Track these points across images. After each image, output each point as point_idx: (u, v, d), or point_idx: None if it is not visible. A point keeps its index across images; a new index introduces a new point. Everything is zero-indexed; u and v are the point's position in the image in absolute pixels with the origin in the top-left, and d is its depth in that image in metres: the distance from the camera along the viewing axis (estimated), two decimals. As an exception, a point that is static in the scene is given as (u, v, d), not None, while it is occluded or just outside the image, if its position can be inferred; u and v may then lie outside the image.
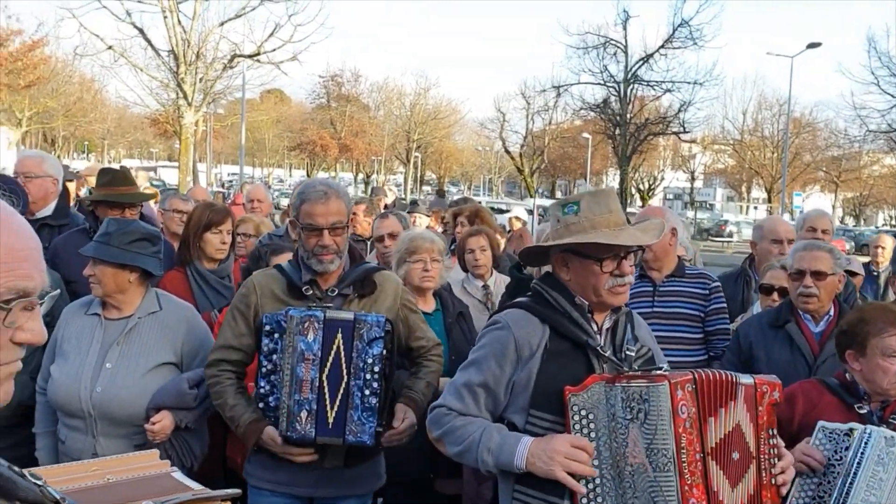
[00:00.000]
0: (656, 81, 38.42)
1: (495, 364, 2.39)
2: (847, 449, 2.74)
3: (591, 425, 2.25)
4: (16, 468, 1.15)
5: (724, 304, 4.16)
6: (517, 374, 2.37)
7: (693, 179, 62.42)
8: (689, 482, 2.14)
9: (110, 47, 20.74)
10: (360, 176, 70.24)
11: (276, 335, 2.93)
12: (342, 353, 2.91)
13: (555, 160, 60.29)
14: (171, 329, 3.25)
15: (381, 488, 3.35)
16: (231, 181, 42.81)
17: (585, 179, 57.13)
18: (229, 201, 13.29)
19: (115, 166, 6.53)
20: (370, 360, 2.90)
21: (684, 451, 2.15)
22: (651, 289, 4.17)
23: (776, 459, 2.30)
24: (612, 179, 63.14)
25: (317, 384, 2.87)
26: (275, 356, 2.92)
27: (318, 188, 3.02)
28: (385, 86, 65.79)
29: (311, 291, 3.01)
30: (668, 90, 38.05)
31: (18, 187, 4.13)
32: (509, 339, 2.39)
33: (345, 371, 2.91)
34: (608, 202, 2.44)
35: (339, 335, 2.90)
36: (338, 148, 60.92)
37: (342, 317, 2.93)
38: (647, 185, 56.53)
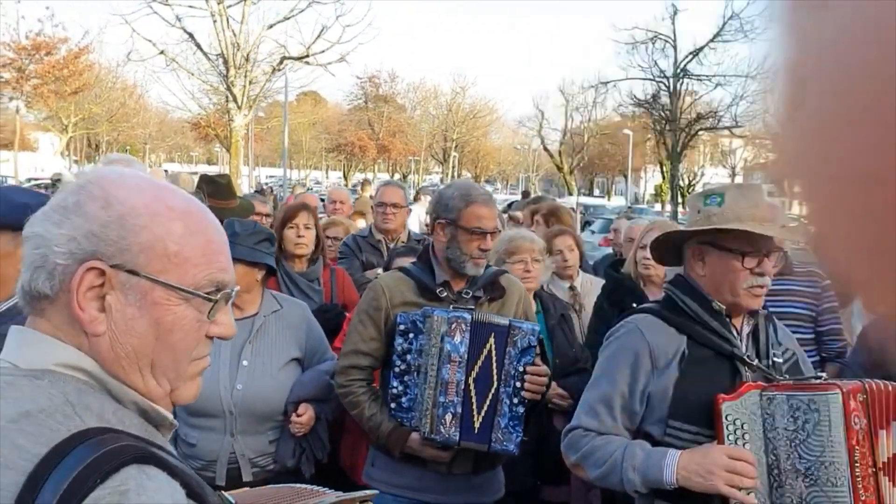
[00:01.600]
0: (706, 76, 37.90)
1: (629, 374, 2.28)
2: None
3: (746, 436, 2.14)
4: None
5: (836, 303, 3.99)
6: (653, 383, 2.26)
7: (734, 175, 61.53)
8: (863, 498, 2.01)
9: (162, 52, 20.99)
10: (397, 176, 70.45)
11: (412, 335, 2.89)
12: (493, 358, 2.85)
13: (594, 157, 59.85)
14: (294, 326, 3.30)
15: None
16: (268, 184, 43.22)
17: (625, 177, 56.64)
18: (282, 203, 13.34)
19: (216, 174, 6.50)
20: (521, 368, 2.86)
21: (858, 465, 2.02)
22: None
23: None
24: (652, 176, 62.57)
25: (462, 387, 2.82)
26: (409, 356, 2.89)
27: (480, 191, 3.04)
28: (421, 85, 65.98)
29: (445, 294, 2.99)
30: (719, 84, 37.52)
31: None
32: (643, 346, 2.28)
33: (495, 377, 2.86)
34: (755, 196, 2.30)
35: (492, 339, 2.85)
36: (376, 148, 61.14)
37: (497, 321, 2.89)
38: (687, 182, 55.84)
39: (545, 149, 57.86)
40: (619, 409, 2.29)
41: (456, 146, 63.10)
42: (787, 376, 2.27)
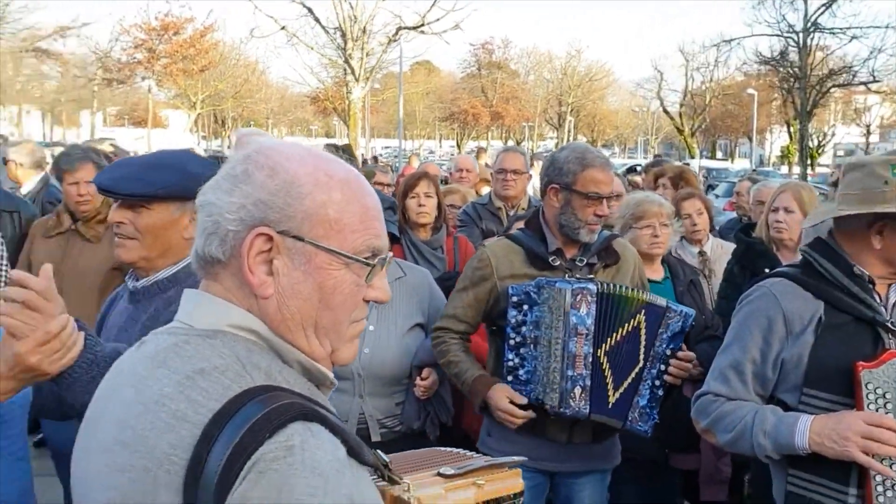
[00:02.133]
0: (840, 28, 35.50)
1: (761, 339, 2.19)
2: None
3: (889, 405, 2.02)
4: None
5: None
6: (786, 350, 2.16)
7: (868, 134, 57.78)
8: None
9: (283, 27, 21.55)
10: (510, 143, 70.03)
11: (525, 307, 2.84)
12: (642, 336, 2.79)
13: (716, 119, 57.61)
14: (417, 292, 3.33)
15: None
16: (382, 155, 43.90)
17: (750, 138, 54.23)
18: (398, 174, 13.48)
19: (339, 144, 6.67)
20: (668, 353, 2.80)
21: None
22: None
23: None
24: (777, 137, 59.64)
25: (590, 360, 2.76)
26: (524, 328, 2.84)
27: (597, 154, 2.94)
28: (535, 50, 65.20)
29: (558, 262, 2.92)
30: (855, 37, 35.05)
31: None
32: (776, 311, 2.18)
33: (642, 356, 2.80)
34: None
35: (643, 316, 2.79)
36: (489, 116, 60.99)
37: (653, 300, 2.82)
38: (816, 142, 52.94)
39: (664, 111, 56.10)
40: (751, 376, 2.22)
41: (571, 111, 62.11)
42: None
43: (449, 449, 1.69)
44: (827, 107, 47.47)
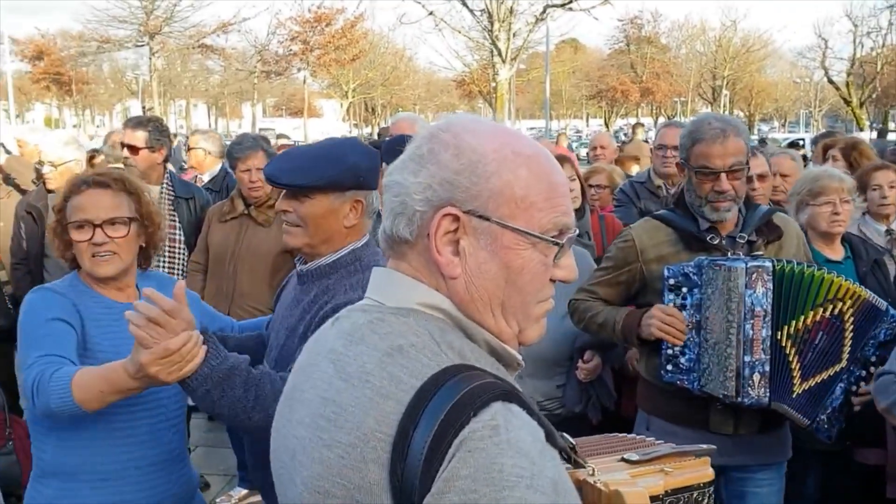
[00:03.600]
0: None
1: None
2: None
3: None
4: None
5: None
6: None
7: None
8: None
9: (431, 13, 21.83)
10: (661, 119, 67.80)
11: (685, 289, 2.67)
12: (847, 333, 2.60)
13: (889, 87, 53.27)
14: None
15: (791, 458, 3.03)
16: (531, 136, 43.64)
17: (929, 106, 49.82)
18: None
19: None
20: (873, 359, 2.61)
21: None
22: None
23: None
24: (963, 104, 54.45)
25: (769, 343, 2.58)
26: (684, 312, 2.67)
27: (713, 125, 2.71)
28: (687, 23, 62.74)
29: (717, 240, 2.74)
30: None
31: None
32: None
33: (846, 355, 2.61)
34: None
35: (850, 311, 2.61)
36: (639, 92, 59.31)
37: (875, 302, 2.65)
38: None
39: (830, 81, 52.44)
40: None
41: (727, 84, 59.29)
42: None
43: (631, 435, 1.64)
44: None
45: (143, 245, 2.33)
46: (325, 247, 2.17)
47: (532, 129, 65.89)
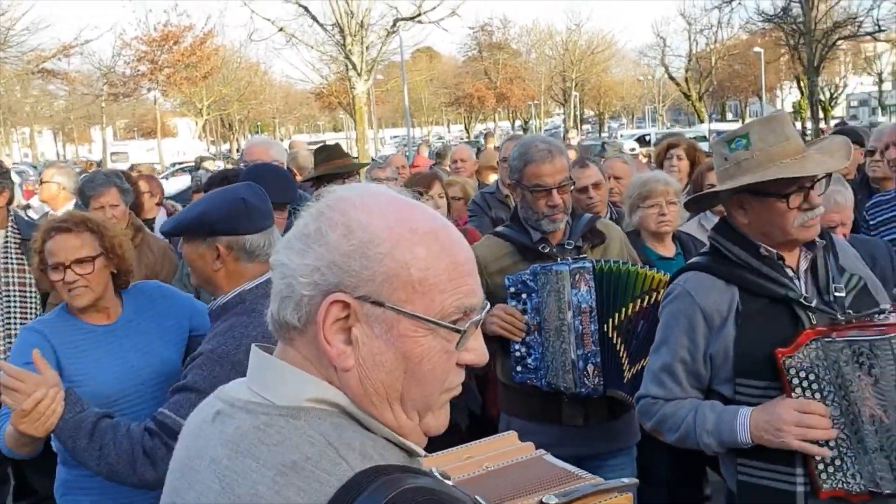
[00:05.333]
0: (843, -21, 34.87)
1: (686, 339, 2.22)
2: None
3: (815, 385, 2.05)
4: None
5: None
6: (712, 345, 2.19)
7: (881, 82, 56.99)
8: None
9: (281, 29, 21.59)
10: (518, 123, 69.75)
11: (524, 295, 2.90)
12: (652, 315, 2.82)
13: (723, 80, 57.06)
14: None
15: None
16: (394, 145, 43.88)
17: (760, 97, 53.67)
18: (409, 164, 13.50)
19: (324, 143, 6.84)
20: None
21: None
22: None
23: None
24: (788, 93, 58.99)
25: (597, 336, 2.84)
26: (526, 317, 2.90)
27: (540, 147, 2.97)
28: (535, 28, 64.86)
29: (547, 248, 2.99)
30: (865, -14, 34.51)
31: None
32: (694, 309, 2.20)
33: None
34: (783, 129, 2.16)
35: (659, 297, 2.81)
36: (494, 97, 60.80)
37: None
38: (828, 95, 52.32)
39: (670, 77, 55.68)
40: (684, 375, 2.25)
41: (576, 85, 61.72)
42: (851, 312, 2.13)
43: (555, 462, 1.65)
44: (836, 59, 46.77)
45: (115, 271, 2.67)
46: (210, 288, 2.32)
47: (395, 137, 66.19)
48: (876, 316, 2.07)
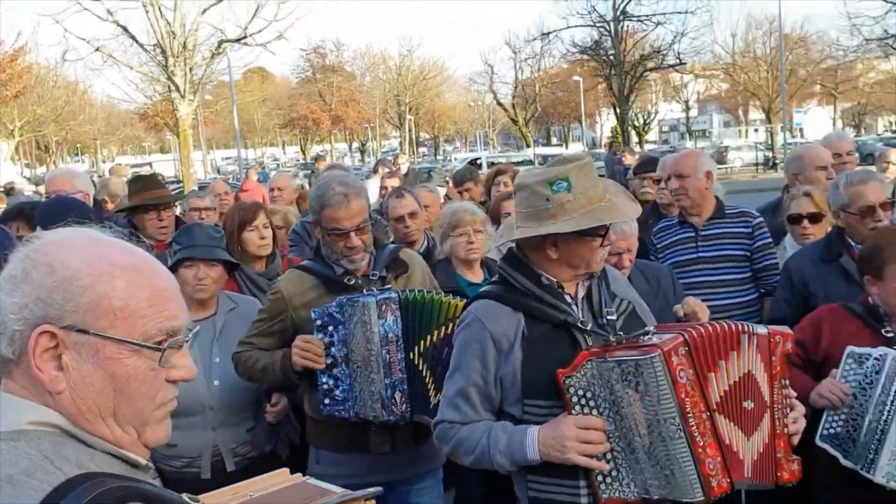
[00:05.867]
0: (646, 16, 37.80)
1: (479, 364, 2.33)
2: (878, 372, 2.79)
3: (592, 402, 2.21)
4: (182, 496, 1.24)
5: (770, 240, 4.14)
6: (502, 368, 2.31)
7: (688, 109, 61.93)
8: (700, 444, 2.11)
9: (98, 49, 20.51)
10: (355, 145, 69.94)
11: (331, 328, 2.93)
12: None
13: (547, 106, 59.90)
14: (251, 320, 3.35)
15: None
16: (226, 167, 42.75)
17: (580, 123, 56.76)
18: (237, 188, 13.17)
19: (145, 172, 6.59)
20: None
21: (690, 415, 2.11)
22: (693, 234, 4.16)
23: (788, 409, 2.27)
24: (607, 119, 62.78)
25: (404, 364, 2.90)
26: (333, 349, 2.93)
27: (337, 190, 2.98)
28: (368, 52, 65.36)
29: (353, 281, 3.03)
30: (660, 23, 37.48)
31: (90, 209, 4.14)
32: (484, 335, 2.32)
33: None
34: (593, 173, 2.35)
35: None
36: (329, 119, 60.62)
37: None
38: (642, 121, 56.19)
39: (498, 103, 57.83)
40: (478, 399, 2.34)
41: (410, 109, 62.74)
42: (622, 334, 2.31)
43: (308, 480, 1.71)
44: (647, 87, 50.32)
45: None
46: None
47: (228, 158, 64.34)
48: (642, 337, 2.23)
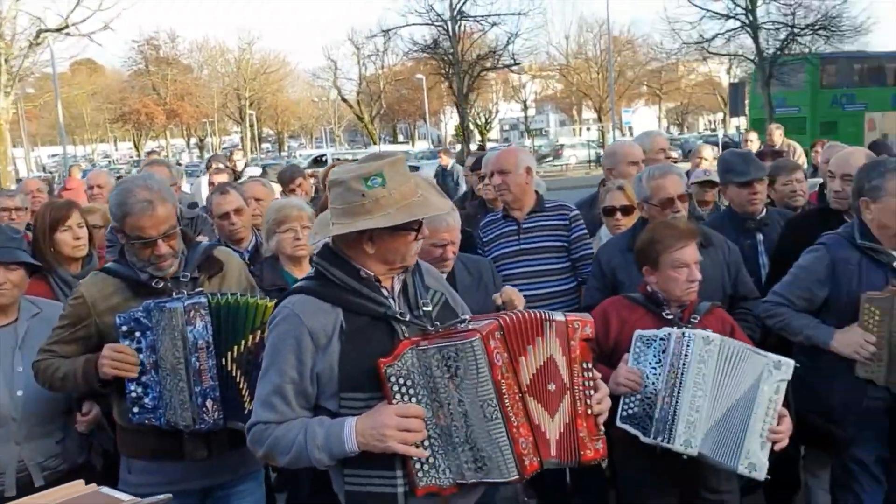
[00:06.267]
0: (482, 16, 38.67)
1: (294, 359, 2.30)
2: (664, 351, 3.02)
3: (412, 390, 2.25)
4: None
5: (585, 231, 4.37)
6: (319, 363, 2.29)
7: (526, 108, 64.12)
8: (515, 424, 2.21)
9: None
10: (193, 140, 67.43)
11: (138, 333, 2.80)
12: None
13: (392, 104, 60.21)
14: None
15: None
16: (52, 165, 40.00)
17: (425, 120, 57.45)
18: (60, 187, 12.42)
19: None
20: None
21: (506, 396, 2.21)
22: (515, 227, 4.33)
23: (592, 391, 2.37)
24: (451, 117, 63.90)
25: (216, 371, 2.81)
26: (141, 356, 2.81)
27: (140, 196, 2.80)
28: (205, 44, 63.15)
29: (161, 284, 2.90)
30: (495, 24, 38.43)
31: None
32: (301, 330, 2.29)
33: None
34: (405, 170, 2.40)
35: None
36: (164, 114, 58.06)
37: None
38: (483, 120, 57.64)
39: (343, 99, 57.51)
40: (293, 396, 2.31)
41: (251, 104, 61.17)
42: (439, 323, 2.37)
43: (101, 490, 1.66)
44: (487, 87, 51.61)
45: None
46: None
47: (54, 155, 60.25)
48: (459, 325, 2.32)
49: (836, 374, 3.37)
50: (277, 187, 6.30)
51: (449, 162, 14.17)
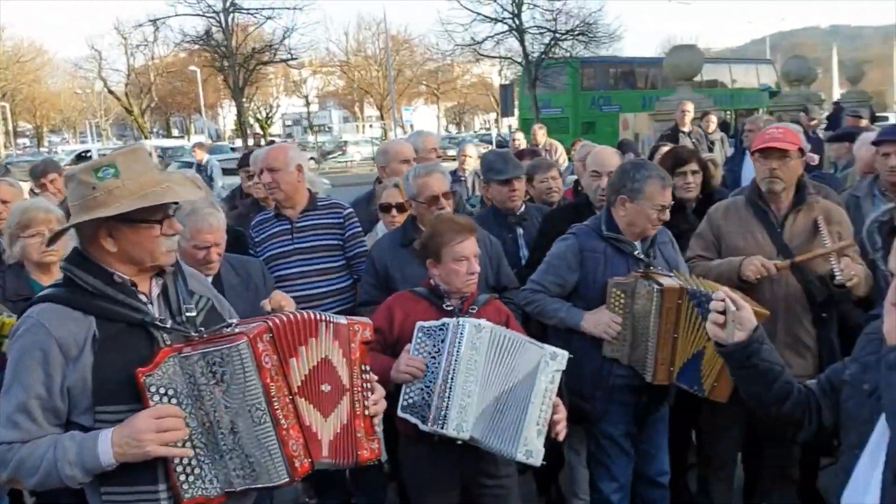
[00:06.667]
0: (255, 9, 37.58)
1: (42, 373, 2.14)
2: (443, 341, 3.15)
3: (174, 400, 2.18)
4: None
5: (360, 229, 4.41)
6: (69, 377, 2.15)
7: (308, 104, 63.51)
8: (285, 426, 2.20)
9: None
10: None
11: None
12: None
13: (165, 96, 57.26)
14: None
15: None
16: None
17: (200, 114, 55.22)
18: None
19: None
20: None
21: (275, 399, 2.19)
22: (289, 226, 4.28)
23: (370, 393, 2.41)
24: (229, 111, 61.88)
25: None
26: None
27: None
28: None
29: None
30: (269, 17, 37.48)
31: None
32: (49, 341, 2.14)
33: None
34: (146, 160, 2.32)
35: None
36: None
37: None
38: (264, 114, 56.37)
39: (110, 91, 53.79)
40: (40, 412, 2.15)
41: (3, 95, 55.52)
42: (203, 329, 2.30)
43: None
44: (265, 81, 50.50)
45: None
46: None
47: None
48: (225, 329, 2.26)
49: (586, 353, 3.63)
50: (27, 186, 5.79)
51: (203, 157, 13.81)
